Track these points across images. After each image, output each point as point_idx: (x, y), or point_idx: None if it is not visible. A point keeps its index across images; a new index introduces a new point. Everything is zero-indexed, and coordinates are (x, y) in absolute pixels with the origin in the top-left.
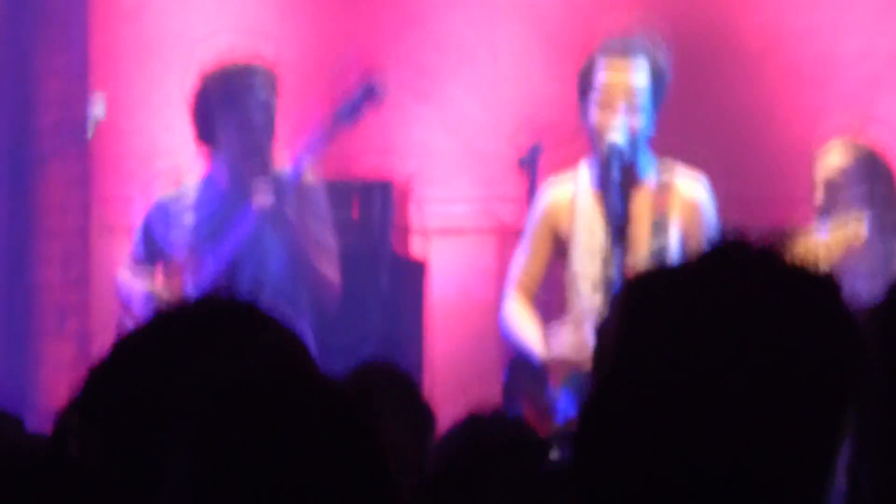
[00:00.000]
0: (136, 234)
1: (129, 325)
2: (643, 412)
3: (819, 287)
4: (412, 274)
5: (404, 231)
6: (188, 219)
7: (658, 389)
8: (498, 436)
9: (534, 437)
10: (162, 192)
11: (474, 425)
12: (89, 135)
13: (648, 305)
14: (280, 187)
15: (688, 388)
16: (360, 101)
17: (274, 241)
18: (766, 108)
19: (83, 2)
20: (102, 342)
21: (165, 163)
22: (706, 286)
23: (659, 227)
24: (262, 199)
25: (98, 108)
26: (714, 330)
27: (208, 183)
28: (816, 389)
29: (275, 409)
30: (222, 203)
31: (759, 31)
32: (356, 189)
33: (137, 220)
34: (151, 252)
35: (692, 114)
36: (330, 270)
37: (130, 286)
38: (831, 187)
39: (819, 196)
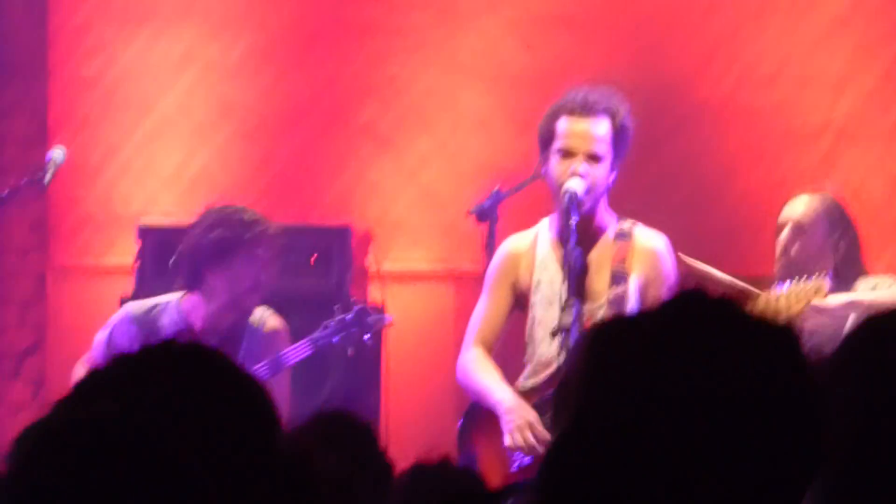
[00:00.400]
0: (99, 340)
1: None
2: (606, 458)
3: (776, 338)
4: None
5: (362, 276)
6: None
7: (620, 436)
8: (442, 486)
9: (480, 487)
10: (132, 306)
11: (419, 475)
12: (47, 180)
13: (610, 354)
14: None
15: (649, 435)
16: (351, 327)
17: None
18: (724, 178)
19: (44, 67)
20: (59, 385)
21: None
22: (666, 336)
23: (618, 276)
24: None
25: (57, 155)
26: (674, 379)
27: (181, 315)
28: (774, 437)
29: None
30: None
31: (720, 105)
32: (316, 234)
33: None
34: None
35: (653, 182)
36: None
37: None
38: (797, 231)
39: (782, 244)
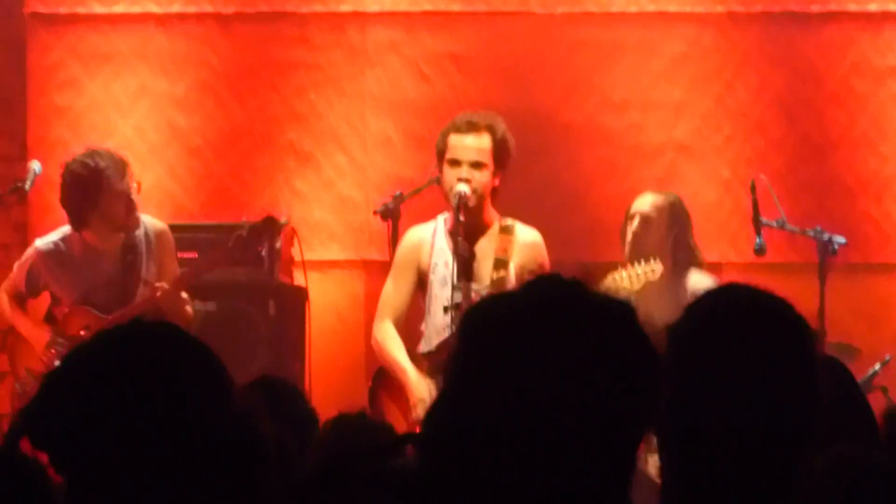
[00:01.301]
0: (22, 272)
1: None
2: (474, 416)
3: (617, 310)
4: (295, 301)
5: (289, 265)
6: (74, 270)
7: (487, 397)
8: (361, 433)
9: (392, 434)
10: (40, 242)
11: (341, 425)
12: (28, 187)
13: (480, 327)
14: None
15: (512, 396)
16: (261, 233)
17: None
18: (585, 187)
19: (23, 98)
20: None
21: None
22: (527, 311)
23: (500, 262)
24: (163, 286)
25: (35, 167)
26: (532, 344)
27: (85, 243)
28: (617, 394)
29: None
30: (101, 260)
31: (581, 127)
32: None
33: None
34: (32, 290)
35: (527, 191)
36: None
37: (26, 328)
38: (644, 222)
39: (631, 233)
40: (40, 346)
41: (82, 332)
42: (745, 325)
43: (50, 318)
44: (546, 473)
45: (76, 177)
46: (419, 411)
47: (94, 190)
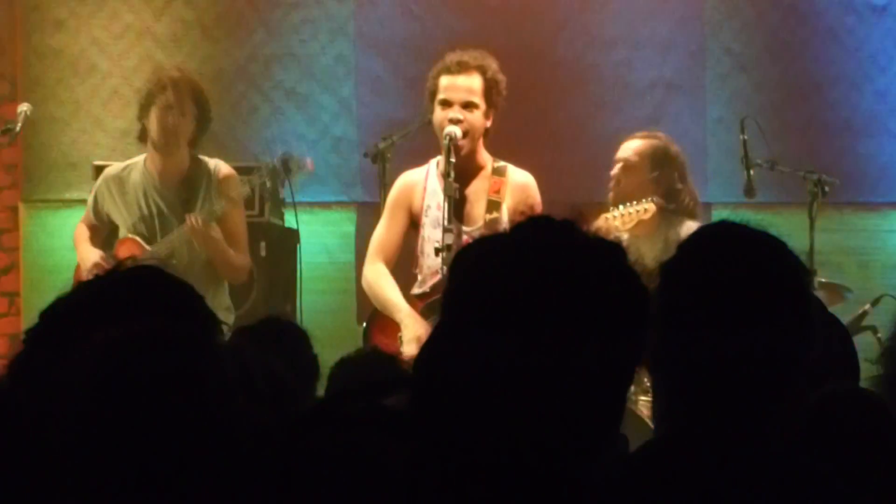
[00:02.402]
0: (89, 200)
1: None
2: (466, 356)
3: (607, 249)
4: (286, 242)
5: (279, 206)
6: (129, 198)
7: (479, 337)
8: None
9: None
10: (109, 170)
11: (372, 355)
12: (18, 129)
13: (472, 267)
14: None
15: (503, 335)
16: (278, 172)
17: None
18: (575, 125)
19: (13, 39)
20: (31, 299)
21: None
22: (518, 249)
23: (492, 204)
24: (194, 221)
25: (26, 108)
26: (523, 286)
27: (146, 170)
28: (609, 331)
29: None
30: (154, 191)
31: (571, 65)
32: (240, 171)
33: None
34: (100, 218)
35: (517, 128)
36: (242, 258)
37: (82, 250)
38: (629, 168)
39: (615, 178)
40: (85, 266)
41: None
42: (738, 259)
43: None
44: (538, 411)
45: (148, 84)
46: (412, 348)
47: (148, 97)
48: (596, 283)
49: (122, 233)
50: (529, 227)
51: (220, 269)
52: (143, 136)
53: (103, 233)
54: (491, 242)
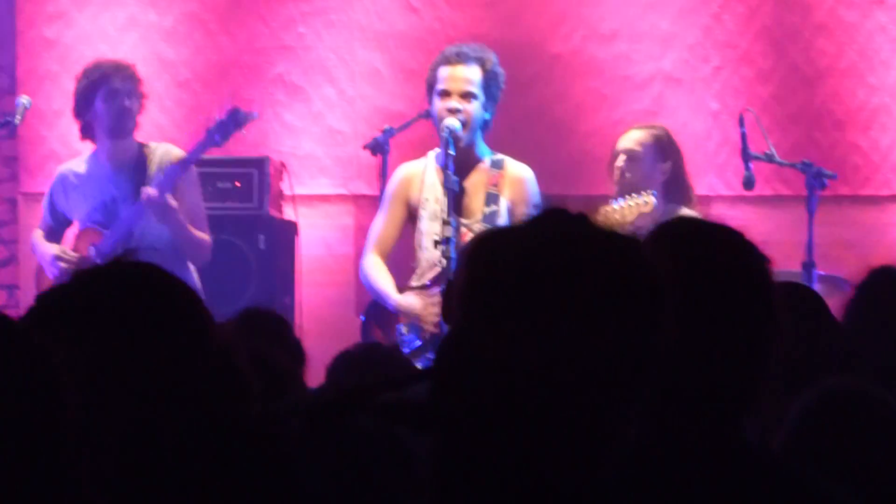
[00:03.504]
0: (45, 203)
1: (46, 277)
2: (487, 350)
3: (626, 244)
4: (285, 234)
5: (278, 198)
6: (83, 191)
7: (500, 332)
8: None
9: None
10: (63, 167)
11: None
12: (17, 121)
13: (490, 259)
14: (165, 177)
15: (525, 330)
16: (229, 125)
17: (153, 221)
18: (574, 118)
19: (13, 31)
20: (28, 290)
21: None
22: (536, 242)
23: (491, 197)
24: (150, 192)
25: (25, 101)
26: (543, 276)
27: (95, 159)
28: (630, 327)
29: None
30: (107, 179)
31: (570, 58)
32: (239, 164)
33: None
34: (56, 219)
35: (517, 122)
36: (203, 234)
37: (41, 249)
38: (634, 158)
39: (619, 170)
40: (46, 262)
41: (91, 250)
42: (697, 253)
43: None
44: (559, 408)
45: (80, 78)
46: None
47: (91, 89)
48: (615, 275)
49: (80, 226)
50: (546, 219)
51: (183, 246)
52: (87, 131)
53: (60, 235)
54: (507, 235)
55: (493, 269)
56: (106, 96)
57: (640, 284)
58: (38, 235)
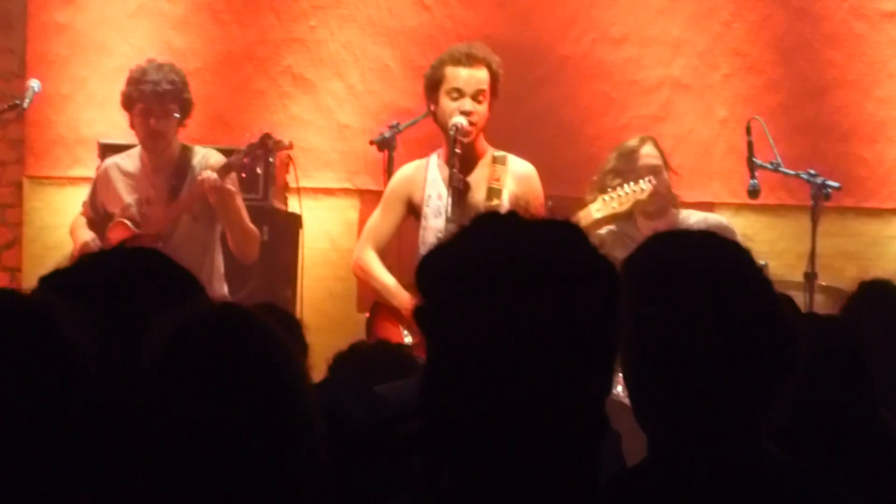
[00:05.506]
0: (87, 194)
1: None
2: (453, 366)
3: (564, 230)
4: (289, 227)
5: (283, 190)
6: (123, 186)
7: (458, 345)
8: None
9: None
10: (109, 160)
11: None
12: (26, 105)
13: (434, 278)
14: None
15: (481, 337)
16: (251, 156)
17: (183, 222)
18: (581, 121)
19: (24, 14)
20: (32, 275)
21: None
22: (469, 252)
23: (493, 191)
24: (209, 175)
25: (34, 85)
26: (487, 285)
27: (140, 160)
28: (579, 310)
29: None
30: (146, 179)
31: (578, 61)
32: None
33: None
34: (95, 209)
35: (524, 123)
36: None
37: (77, 234)
38: (661, 172)
39: (658, 186)
40: (76, 248)
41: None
42: (695, 256)
43: None
44: (528, 407)
45: (128, 80)
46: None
47: (129, 98)
48: (558, 264)
49: (115, 219)
50: (475, 227)
51: (234, 234)
52: (132, 123)
53: (99, 225)
54: (444, 249)
55: (436, 286)
56: (138, 112)
57: (584, 266)
58: (78, 221)
